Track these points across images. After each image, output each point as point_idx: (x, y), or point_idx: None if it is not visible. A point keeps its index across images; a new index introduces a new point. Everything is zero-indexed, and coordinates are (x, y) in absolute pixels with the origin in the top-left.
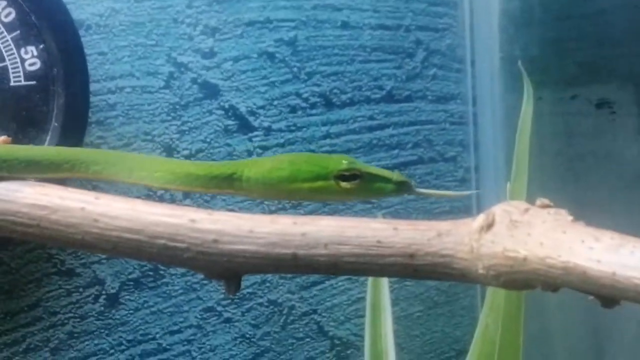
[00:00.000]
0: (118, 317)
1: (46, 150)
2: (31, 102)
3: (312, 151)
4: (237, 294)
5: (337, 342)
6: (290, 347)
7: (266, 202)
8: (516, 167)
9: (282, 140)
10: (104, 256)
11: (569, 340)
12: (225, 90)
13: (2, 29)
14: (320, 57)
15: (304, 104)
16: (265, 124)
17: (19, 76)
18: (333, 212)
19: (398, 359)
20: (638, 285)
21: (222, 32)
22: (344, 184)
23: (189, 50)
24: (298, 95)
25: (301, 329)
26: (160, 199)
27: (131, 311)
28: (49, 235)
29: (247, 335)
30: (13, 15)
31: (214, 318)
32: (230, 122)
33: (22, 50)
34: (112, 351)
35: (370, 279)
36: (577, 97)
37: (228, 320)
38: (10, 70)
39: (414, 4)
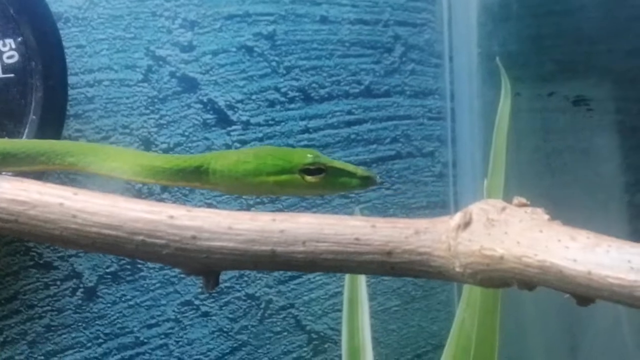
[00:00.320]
0: (96, 310)
1: (22, 143)
2: (9, 95)
3: (291, 146)
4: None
5: (314, 336)
6: (267, 341)
7: (244, 197)
8: (493, 162)
9: (260, 135)
10: (80, 250)
11: (544, 335)
12: (204, 84)
13: None
14: (299, 52)
15: (282, 99)
16: (244, 118)
17: None
18: (311, 207)
19: (375, 353)
20: (613, 285)
21: (201, 26)
22: (308, 178)
23: (168, 44)
24: (277, 89)
25: (279, 323)
26: (139, 193)
27: (109, 304)
28: (27, 230)
29: (225, 329)
30: None
31: (192, 312)
32: (208, 116)
33: (0, 43)
34: (89, 344)
35: (347, 274)
36: (555, 93)
37: (206, 314)
38: None
39: None
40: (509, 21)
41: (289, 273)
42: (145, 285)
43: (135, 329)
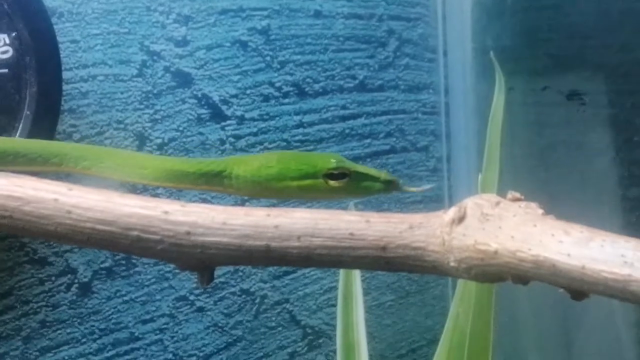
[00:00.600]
0: (90, 305)
1: (34, 143)
2: (3, 90)
3: (285, 140)
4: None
5: (309, 331)
6: (262, 336)
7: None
8: (487, 157)
9: (255, 130)
10: (75, 246)
11: (538, 329)
12: (198, 78)
13: None
14: (293, 46)
15: (276, 93)
16: (238, 113)
17: None
18: (305, 202)
19: (369, 348)
20: (607, 279)
21: (195, 21)
22: (332, 183)
23: (162, 39)
24: (271, 84)
25: (273, 318)
26: (133, 188)
27: (103, 300)
28: (22, 226)
29: (220, 324)
30: None
31: (187, 307)
32: (203, 111)
33: None
34: (84, 340)
35: (342, 269)
36: (548, 88)
37: (200, 309)
38: None
39: None
40: (503, 16)
41: (284, 268)
42: (140, 281)
43: (130, 324)
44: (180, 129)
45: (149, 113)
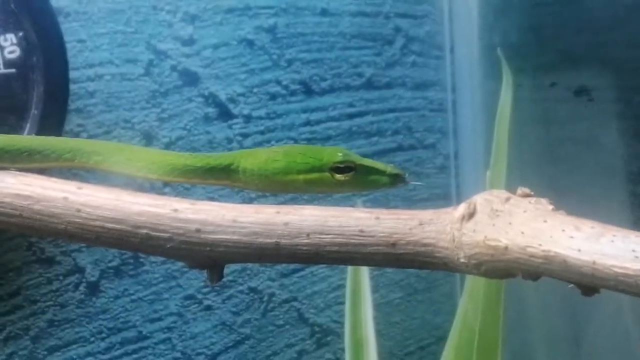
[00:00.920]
0: (98, 305)
1: (47, 140)
2: (11, 90)
3: (293, 138)
4: None
5: (317, 329)
6: (270, 334)
7: (246, 191)
8: (495, 153)
9: (262, 128)
10: (83, 244)
11: (547, 326)
12: (205, 77)
13: None
14: (300, 44)
15: (283, 91)
16: (245, 112)
17: None
18: (314, 199)
19: (378, 346)
20: (618, 274)
21: (201, 19)
22: (338, 176)
23: (169, 38)
24: (278, 82)
25: (281, 316)
26: (140, 187)
27: (111, 299)
28: (32, 225)
29: (228, 323)
30: None
31: (195, 306)
32: (210, 110)
33: (2, 38)
34: (92, 339)
35: (350, 267)
36: (556, 84)
37: (208, 308)
38: None
39: None
40: (509, 12)
41: (292, 266)
42: (148, 280)
43: (138, 323)
44: (188, 127)
45: (156, 112)
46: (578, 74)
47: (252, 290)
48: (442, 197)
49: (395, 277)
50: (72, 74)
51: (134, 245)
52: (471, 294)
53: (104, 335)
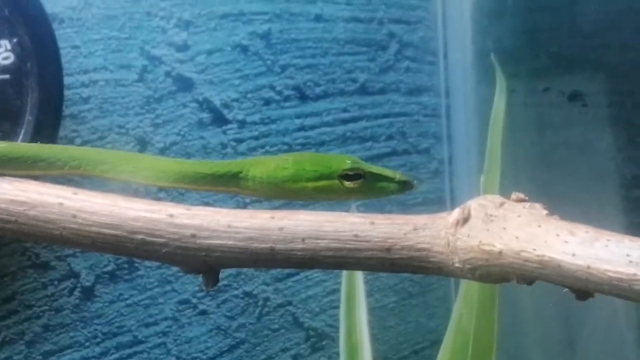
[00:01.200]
0: (93, 309)
1: (53, 147)
2: (5, 96)
3: (287, 143)
4: None
5: (312, 333)
6: (265, 339)
7: (241, 195)
8: (489, 159)
9: (256, 133)
10: (79, 250)
11: (542, 330)
12: (199, 83)
13: None
14: (294, 50)
15: (277, 97)
16: (240, 117)
17: None
18: (308, 204)
19: (373, 350)
20: (612, 278)
21: (195, 25)
22: (347, 184)
23: (163, 44)
24: (272, 88)
25: (276, 321)
26: (135, 193)
27: (106, 304)
28: (27, 231)
29: (223, 327)
30: None
31: (189, 310)
32: (204, 115)
33: None
34: (87, 344)
35: (345, 271)
36: (550, 89)
37: (203, 313)
38: None
39: None
40: (503, 17)
41: (286, 270)
42: (143, 284)
43: (133, 327)
44: (182, 133)
45: (150, 118)
46: (572, 79)
47: (247, 294)
48: (436, 202)
49: (389, 281)
50: (67, 80)
51: (129, 250)
52: (465, 298)
53: (99, 339)
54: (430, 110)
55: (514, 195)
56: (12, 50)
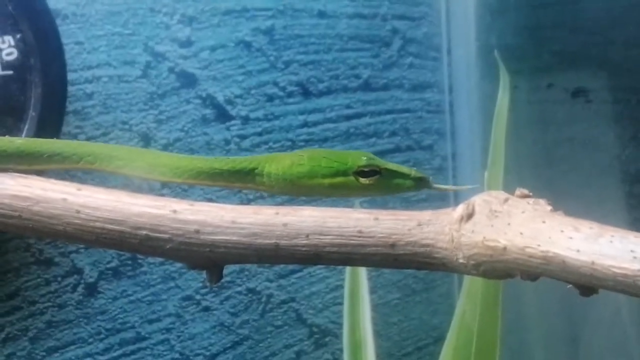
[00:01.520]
0: (97, 306)
1: (68, 143)
2: (8, 91)
3: (290, 140)
4: None
5: (315, 329)
6: (268, 335)
7: (244, 191)
8: (493, 155)
9: (259, 129)
10: (82, 245)
11: (545, 326)
12: (203, 79)
13: None
14: (297, 46)
15: (281, 93)
16: (243, 113)
17: None
18: (312, 200)
19: (376, 346)
20: (617, 274)
21: (199, 21)
22: (363, 180)
23: (166, 40)
24: (275, 84)
25: (280, 317)
26: (139, 188)
27: (110, 300)
28: (31, 226)
29: (226, 324)
30: None
31: (193, 306)
32: (207, 111)
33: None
34: (90, 340)
35: (348, 267)
36: (553, 85)
37: (207, 309)
38: None
39: None
40: (506, 13)
41: (290, 267)
42: (146, 281)
43: (137, 324)
44: (185, 129)
45: (154, 114)
46: (575, 75)
47: (251, 291)
48: (440, 198)
49: (393, 277)
50: (70, 76)
51: (133, 246)
52: (469, 295)
53: (102, 336)
54: (434, 107)
55: (518, 191)
56: (16, 46)
